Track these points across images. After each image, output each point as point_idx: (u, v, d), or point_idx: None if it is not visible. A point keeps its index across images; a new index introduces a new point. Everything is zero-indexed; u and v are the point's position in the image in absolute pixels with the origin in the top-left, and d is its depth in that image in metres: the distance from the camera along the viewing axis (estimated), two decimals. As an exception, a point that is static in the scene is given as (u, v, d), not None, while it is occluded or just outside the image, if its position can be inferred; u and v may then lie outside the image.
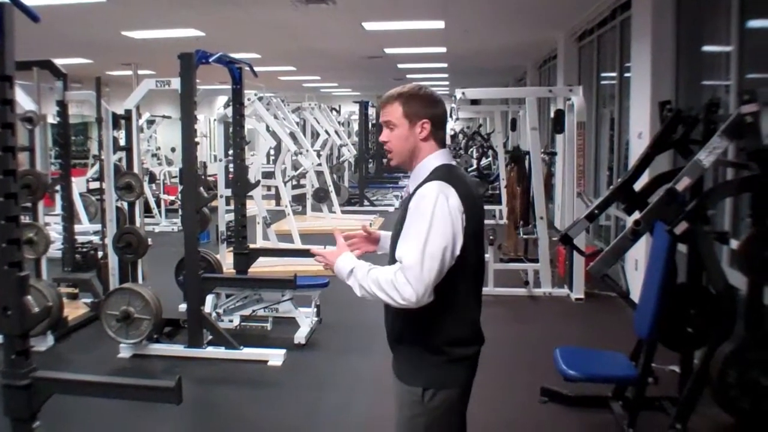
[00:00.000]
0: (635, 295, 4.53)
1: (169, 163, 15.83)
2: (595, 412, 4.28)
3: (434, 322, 2.21)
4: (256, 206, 8.67)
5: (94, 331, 5.91)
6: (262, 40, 11.37)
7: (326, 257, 2.30)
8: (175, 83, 5.45)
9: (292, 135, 10.17)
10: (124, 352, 5.40)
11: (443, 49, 12.40)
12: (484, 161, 17.24)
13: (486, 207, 13.66)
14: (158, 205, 12.65)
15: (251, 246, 6.55)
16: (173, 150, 16.06)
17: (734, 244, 4.04)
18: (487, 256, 7.24)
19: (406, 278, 2.06)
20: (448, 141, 28.77)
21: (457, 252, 2.14)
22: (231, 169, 6.72)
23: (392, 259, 2.23)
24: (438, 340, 2.23)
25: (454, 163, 2.34)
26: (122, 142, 6.41)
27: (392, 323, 2.31)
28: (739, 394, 3.53)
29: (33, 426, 2.69)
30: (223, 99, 16.21)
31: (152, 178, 13.35)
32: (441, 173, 2.21)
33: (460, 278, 2.20)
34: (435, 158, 2.28)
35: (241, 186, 6.19)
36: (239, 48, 11.00)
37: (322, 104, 13.70)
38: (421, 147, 2.28)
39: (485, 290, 7.20)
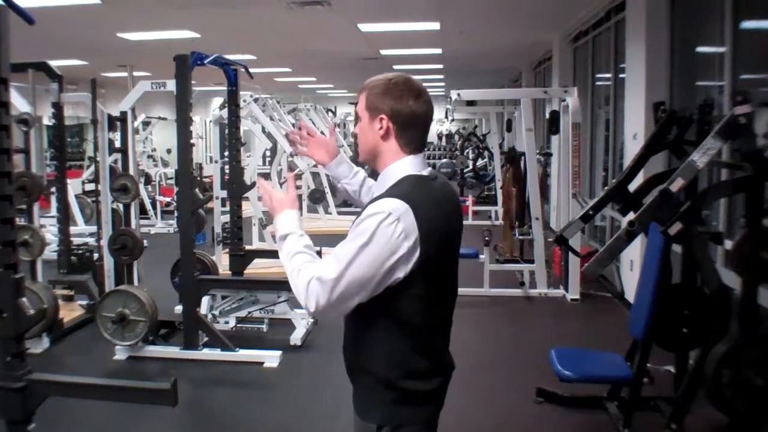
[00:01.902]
0: (630, 296, 4.55)
1: (165, 164, 15.81)
2: (591, 412, 4.29)
3: (389, 351, 1.91)
4: (252, 208, 8.67)
5: (89, 333, 5.90)
6: (258, 42, 11.37)
7: (272, 200, 2.04)
8: (171, 85, 5.45)
9: (288, 136, 10.16)
10: (120, 354, 5.40)
11: (439, 51, 12.41)
12: (479, 162, 17.29)
13: (482, 208, 13.70)
14: (154, 207, 12.65)
15: (247, 247, 6.55)
16: (169, 151, 16.04)
17: (728, 244, 4.05)
18: (482, 256, 7.27)
19: (318, 290, 1.79)
20: (443, 142, 28.70)
21: (393, 281, 1.82)
22: (227, 171, 6.72)
23: None
24: (392, 373, 1.91)
25: (426, 173, 1.98)
26: (118, 144, 6.39)
27: (347, 349, 2.03)
28: (733, 394, 3.54)
29: (28, 428, 2.69)
30: (218, 100, 16.21)
31: (148, 180, 13.32)
32: (404, 187, 1.90)
33: (419, 303, 1.88)
34: (401, 167, 1.97)
35: (236, 187, 6.19)
36: (235, 49, 10.99)
37: (317, 105, 13.69)
38: (382, 147, 1.98)
39: (480, 291, 7.28)
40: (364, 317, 1.91)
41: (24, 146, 6.25)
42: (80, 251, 7.33)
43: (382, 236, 1.79)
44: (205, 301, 5.69)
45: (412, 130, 1.97)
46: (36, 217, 6.27)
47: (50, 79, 6.44)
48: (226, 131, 6.19)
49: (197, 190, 7.51)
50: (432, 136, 31.06)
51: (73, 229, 7.80)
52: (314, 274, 1.82)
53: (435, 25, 9.49)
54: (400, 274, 1.82)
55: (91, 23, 8.99)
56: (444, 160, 23.92)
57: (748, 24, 4.99)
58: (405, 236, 1.80)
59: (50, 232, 8.15)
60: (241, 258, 6.20)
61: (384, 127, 1.95)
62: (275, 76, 16.57)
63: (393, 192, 1.87)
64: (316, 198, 12.66)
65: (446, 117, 26.21)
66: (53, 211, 7.59)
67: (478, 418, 4.35)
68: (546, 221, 9.77)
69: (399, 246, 1.80)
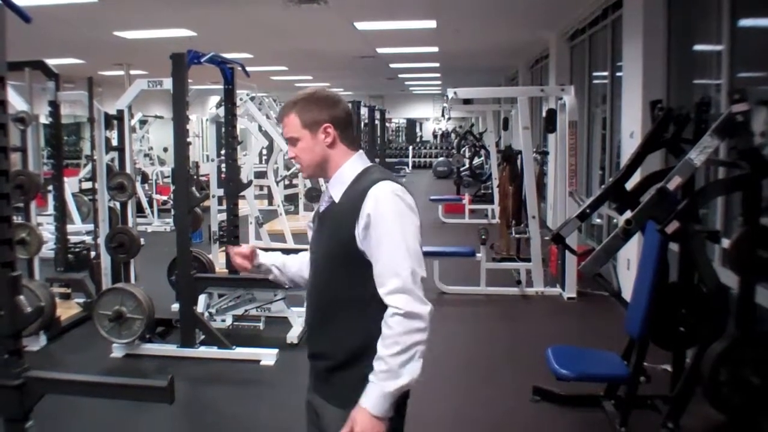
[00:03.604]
0: (627, 294, 4.55)
1: (162, 163, 15.80)
2: (588, 411, 4.29)
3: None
4: (249, 206, 8.67)
5: (86, 331, 5.90)
6: (254, 40, 11.36)
7: (358, 430, 1.94)
8: (167, 83, 5.45)
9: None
10: (117, 351, 5.39)
11: (435, 49, 12.41)
12: (476, 160, 17.29)
13: (478, 206, 13.70)
14: (151, 205, 12.64)
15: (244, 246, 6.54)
16: (165, 150, 16.03)
17: (725, 242, 4.06)
18: (479, 255, 7.27)
19: (405, 294, 1.92)
20: (439, 141, 28.79)
21: None
22: (223, 169, 6.71)
23: (328, 268, 2.08)
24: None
25: (371, 165, 2.16)
26: (114, 142, 6.38)
27: (340, 343, 2.05)
28: (730, 393, 3.55)
29: (26, 426, 2.68)
30: (215, 99, 16.19)
31: (144, 178, 13.32)
32: (378, 174, 2.06)
33: None
34: (354, 163, 2.11)
35: (233, 186, 6.18)
36: (231, 48, 10.98)
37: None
38: (330, 154, 2.09)
39: (477, 289, 7.28)
40: (362, 305, 2.01)
41: (21, 145, 6.24)
42: (77, 249, 7.31)
43: (405, 208, 1.99)
44: (202, 299, 5.69)
45: (349, 129, 2.14)
46: (33, 215, 6.26)
47: (47, 77, 6.43)
48: (223, 130, 6.18)
49: (194, 188, 7.51)
50: (428, 135, 31.15)
51: (70, 228, 7.80)
52: (392, 303, 1.93)
53: (431, 24, 9.49)
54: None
55: (88, 22, 8.98)
56: (440, 159, 24.00)
57: (745, 22, 5.00)
58: (413, 206, 2.02)
59: (47, 230, 8.12)
60: (238, 256, 6.19)
61: (331, 134, 2.07)
62: (272, 75, 16.57)
63: (378, 177, 2.03)
64: (312, 196, 12.64)
65: (443, 115, 26.29)
66: (50, 210, 7.55)
67: (475, 416, 4.36)
68: (543, 220, 9.77)
69: (415, 213, 2.02)
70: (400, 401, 2.04)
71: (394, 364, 1.90)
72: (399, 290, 1.92)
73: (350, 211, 2.00)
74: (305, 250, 2.31)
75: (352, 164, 2.11)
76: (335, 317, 2.06)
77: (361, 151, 2.16)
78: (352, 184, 2.06)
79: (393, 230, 1.94)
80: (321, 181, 12.48)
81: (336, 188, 2.09)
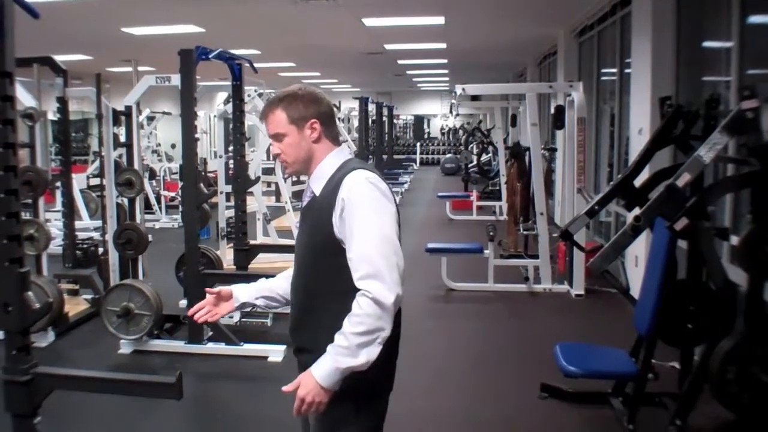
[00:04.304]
0: (635, 291, 4.54)
1: (170, 159, 15.84)
2: (595, 408, 4.28)
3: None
4: (257, 202, 8.67)
5: (94, 327, 5.92)
6: (262, 37, 11.36)
7: (301, 392, 2.07)
8: (175, 80, 5.46)
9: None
10: (125, 348, 5.41)
11: (443, 45, 12.38)
12: (484, 157, 17.25)
13: (486, 203, 13.68)
14: (158, 202, 12.67)
15: (251, 242, 6.55)
16: (173, 146, 16.07)
17: (734, 240, 4.04)
18: (487, 251, 7.26)
19: (380, 285, 1.92)
20: (447, 137, 28.71)
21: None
22: (231, 166, 6.72)
23: (308, 261, 2.13)
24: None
25: (352, 158, 2.22)
26: (122, 139, 6.40)
27: (323, 337, 2.03)
28: (739, 390, 3.54)
29: (34, 421, 2.70)
30: (222, 95, 16.19)
31: (152, 175, 13.36)
32: (354, 165, 2.10)
33: None
34: (335, 156, 2.15)
35: (241, 182, 6.19)
36: (239, 44, 10.97)
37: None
38: (315, 149, 2.14)
39: (484, 286, 7.27)
40: (343, 298, 1.99)
41: (29, 141, 6.26)
42: (85, 246, 7.35)
43: (377, 193, 2.01)
44: (210, 295, 5.69)
45: (333, 125, 2.19)
46: (41, 211, 6.27)
47: (55, 73, 6.45)
48: (231, 126, 6.19)
49: (202, 184, 7.52)
50: (436, 132, 31.12)
51: (78, 224, 7.82)
52: (363, 287, 1.93)
53: (439, 20, 9.47)
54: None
55: (96, 18, 9.00)
56: (448, 155, 23.95)
57: (755, 19, 4.96)
58: (387, 194, 2.05)
59: (55, 226, 8.17)
60: (245, 252, 6.21)
61: (317, 130, 2.12)
62: (279, 71, 16.56)
63: (353, 167, 2.08)
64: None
65: (450, 112, 26.29)
66: (58, 206, 7.59)
67: (483, 412, 4.35)
68: (550, 216, 9.76)
69: (391, 201, 2.05)
70: (378, 405, 2.14)
71: (355, 343, 1.91)
72: (370, 276, 1.93)
73: (328, 201, 2.03)
74: None
75: (332, 158, 2.15)
76: (317, 311, 2.10)
77: (343, 145, 2.22)
78: (332, 177, 2.09)
79: (366, 216, 1.97)
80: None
81: (317, 182, 2.13)
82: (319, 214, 2.06)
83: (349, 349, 1.91)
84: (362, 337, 1.90)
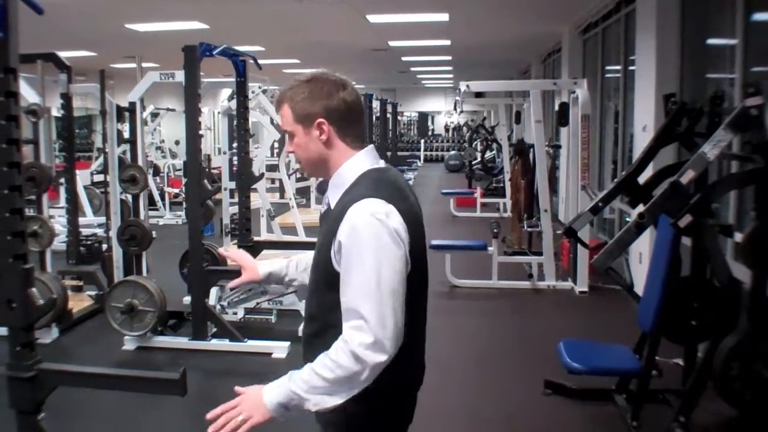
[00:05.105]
0: (639, 288, 4.53)
1: (173, 155, 15.84)
2: (599, 404, 4.29)
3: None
4: (260, 199, 8.67)
5: (98, 324, 5.93)
6: (266, 33, 11.36)
7: (240, 405, 1.86)
8: (179, 76, 5.46)
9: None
10: (129, 344, 5.42)
11: (447, 42, 12.37)
12: (488, 154, 17.25)
13: (490, 200, 13.66)
14: (162, 198, 12.68)
15: (255, 239, 6.55)
16: (177, 143, 16.07)
17: (738, 237, 4.04)
18: (491, 248, 7.26)
19: (362, 336, 1.66)
20: (451, 134, 28.70)
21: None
22: (235, 162, 6.72)
23: (315, 284, 1.90)
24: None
25: (381, 164, 1.87)
26: (126, 135, 6.41)
27: (315, 351, 1.81)
28: (742, 387, 3.53)
29: (38, 418, 2.70)
30: (227, 92, 16.20)
31: (156, 171, 13.36)
32: (369, 185, 1.77)
33: (410, 295, 1.75)
34: (354, 164, 1.83)
35: (245, 179, 6.19)
36: (243, 41, 10.98)
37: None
38: (328, 154, 1.83)
39: (488, 283, 7.27)
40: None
41: (33, 137, 6.27)
42: (89, 242, 7.36)
43: (384, 235, 1.68)
44: (214, 292, 5.70)
45: (351, 123, 1.83)
46: (45, 207, 6.29)
47: (59, 70, 6.44)
48: (235, 123, 6.19)
49: (206, 181, 7.52)
50: (440, 128, 31.11)
51: (82, 220, 7.83)
52: (347, 337, 1.68)
53: (444, 17, 9.46)
54: (408, 266, 1.74)
55: (101, 14, 9.01)
56: (452, 152, 23.94)
57: (759, 16, 4.95)
58: (401, 226, 1.72)
59: (59, 222, 8.17)
60: (249, 249, 6.20)
61: (326, 131, 1.80)
62: (284, 68, 16.54)
63: (362, 193, 1.74)
64: (324, 189, 12.62)
65: (455, 109, 26.27)
66: (62, 202, 7.61)
67: (487, 409, 4.35)
68: (555, 213, 9.75)
69: (403, 238, 1.71)
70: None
71: (314, 385, 1.70)
72: (357, 328, 1.67)
73: (331, 229, 1.75)
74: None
75: (351, 165, 1.83)
76: (320, 341, 1.82)
77: (368, 148, 1.88)
78: (348, 190, 1.80)
79: (365, 261, 1.67)
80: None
81: (333, 191, 1.86)
82: (325, 236, 1.81)
83: (308, 388, 1.71)
84: (323, 384, 1.69)
